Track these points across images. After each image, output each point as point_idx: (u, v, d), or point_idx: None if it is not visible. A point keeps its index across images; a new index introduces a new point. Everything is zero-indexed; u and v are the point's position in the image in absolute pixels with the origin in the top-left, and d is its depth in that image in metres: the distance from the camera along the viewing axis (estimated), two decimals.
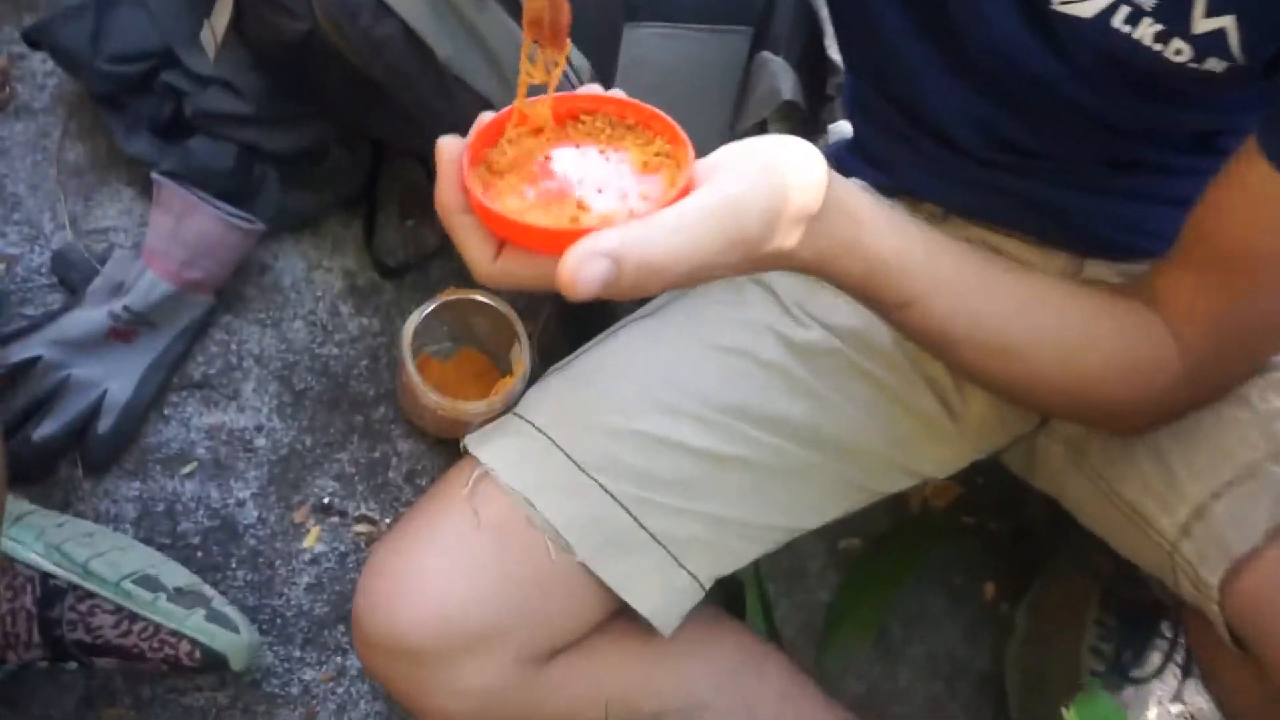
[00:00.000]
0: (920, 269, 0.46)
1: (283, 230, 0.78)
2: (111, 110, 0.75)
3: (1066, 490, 0.68)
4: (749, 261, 0.38)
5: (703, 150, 0.37)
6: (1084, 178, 0.61)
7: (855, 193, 0.43)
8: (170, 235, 0.71)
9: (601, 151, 0.38)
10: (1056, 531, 0.81)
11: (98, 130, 0.78)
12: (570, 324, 0.78)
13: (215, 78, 0.71)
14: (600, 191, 0.36)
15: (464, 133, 0.37)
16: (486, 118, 0.38)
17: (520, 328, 0.69)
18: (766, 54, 0.69)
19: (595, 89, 0.40)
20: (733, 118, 0.72)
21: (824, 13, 0.74)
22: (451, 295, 0.68)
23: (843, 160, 0.68)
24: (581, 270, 0.32)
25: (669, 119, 0.38)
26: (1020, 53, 0.52)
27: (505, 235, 0.35)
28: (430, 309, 0.67)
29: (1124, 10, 0.47)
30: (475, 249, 0.37)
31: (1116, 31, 0.47)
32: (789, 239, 0.39)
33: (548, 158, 0.38)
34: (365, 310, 0.79)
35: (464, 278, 0.82)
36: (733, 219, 0.35)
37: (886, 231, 0.45)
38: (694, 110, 0.47)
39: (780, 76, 0.67)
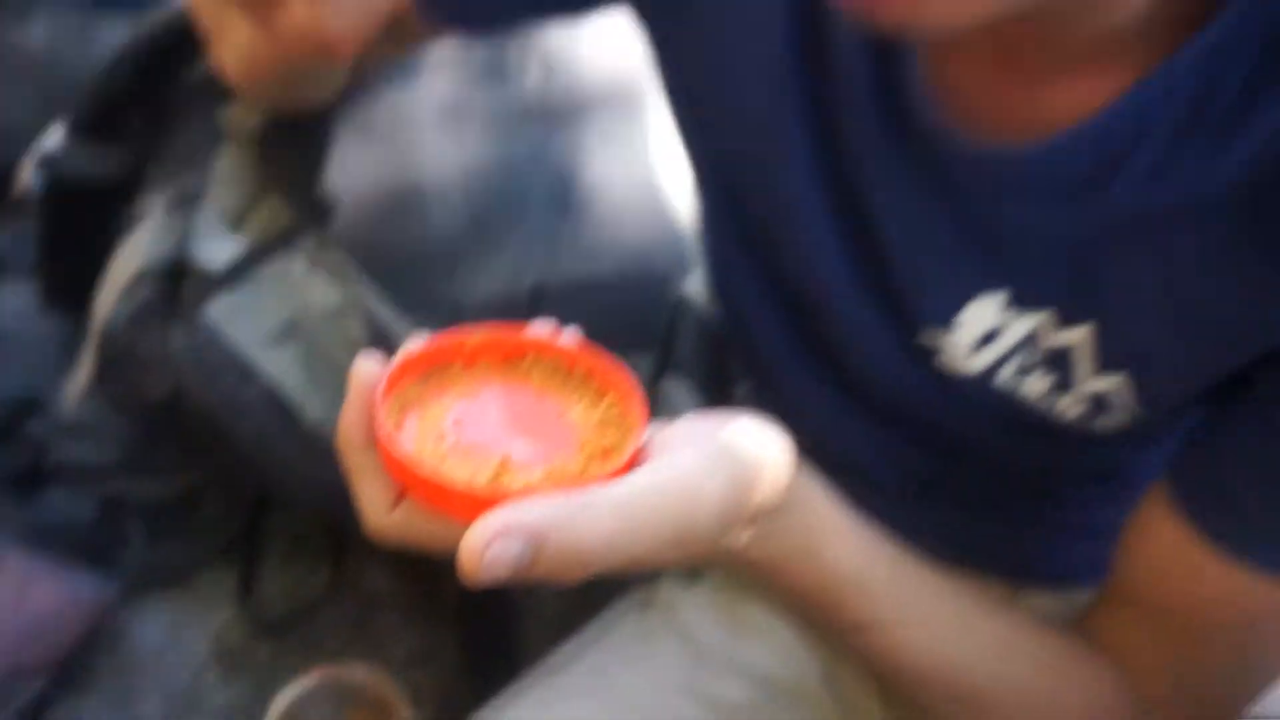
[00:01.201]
0: (884, 591, 0.41)
1: (149, 586, 0.70)
2: None
3: None
4: (690, 558, 0.32)
5: None
6: (1000, 510, 0.58)
7: (821, 495, 0.38)
8: (10, 612, 0.62)
9: (540, 401, 0.34)
10: None
11: None
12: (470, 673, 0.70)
13: (80, 424, 0.66)
14: (531, 450, 0.32)
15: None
16: (417, 344, 0.34)
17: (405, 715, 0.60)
18: (670, 383, 0.67)
19: (547, 325, 0.36)
20: None
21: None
22: (327, 675, 0.60)
23: None
24: (491, 548, 0.27)
25: (626, 372, 0.34)
26: (914, 397, 0.50)
27: (409, 486, 0.30)
28: (302, 691, 0.58)
29: (1009, 366, 0.45)
30: (372, 494, 0.32)
31: (1001, 389, 0.46)
32: (742, 538, 0.33)
33: (477, 401, 0.34)
34: (235, 678, 0.69)
35: (355, 631, 0.76)
36: (684, 510, 0.29)
37: (851, 544, 0.40)
38: None
39: (684, 405, 0.65)
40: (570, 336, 0.36)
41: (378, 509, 0.32)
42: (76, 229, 0.66)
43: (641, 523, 0.29)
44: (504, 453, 0.31)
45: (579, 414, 0.34)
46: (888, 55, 0.42)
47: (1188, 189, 0.37)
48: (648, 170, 0.75)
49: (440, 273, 0.61)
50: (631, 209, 0.72)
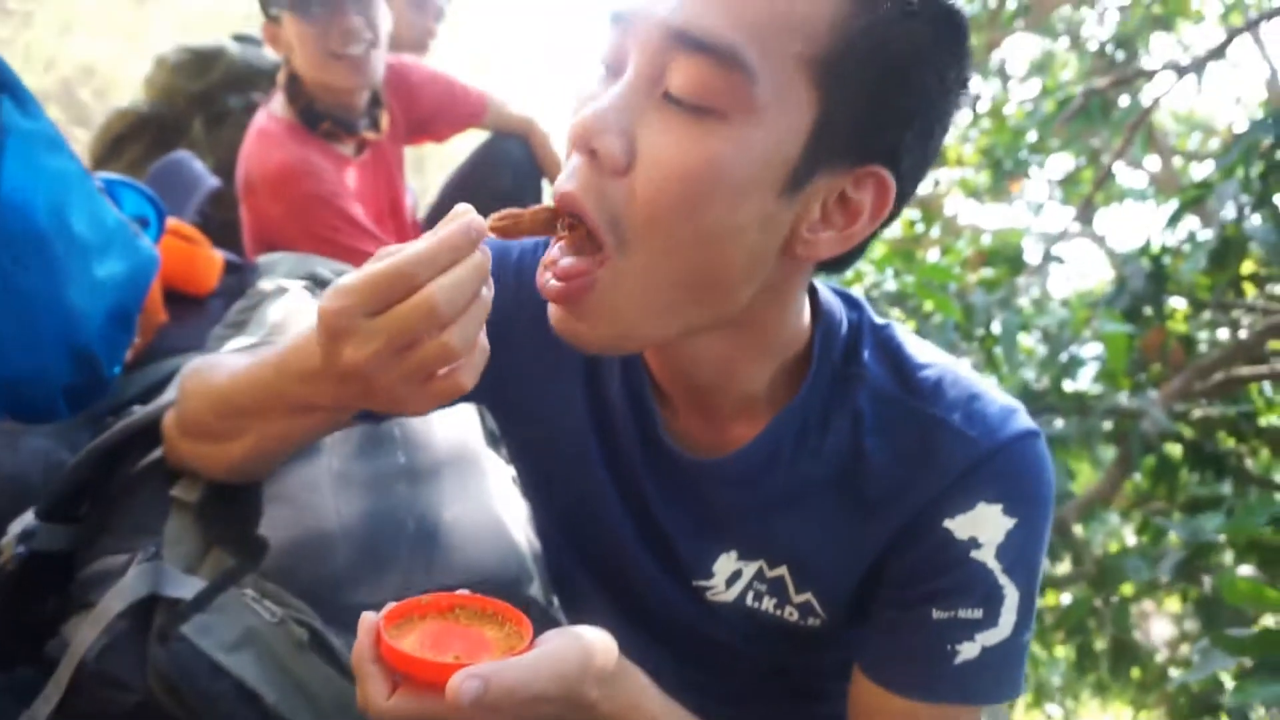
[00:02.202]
0: None
1: None
2: None
3: None
4: (569, 704, 0.54)
5: None
6: (776, 714, 0.81)
7: (635, 670, 0.61)
8: None
9: (468, 630, 0.57)
10: None
11: None
12: None
13: None
14: (469, 650, 0.55)
15: None
16: (390, 605, 0.56)
17: None
18: None
19: (464, 592, 0.60)
20: None
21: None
22: None
23: None
24: (462, 686, 0.48)
25: (516, 610, 0.59)
26: (695, 623, 0.76)
27: (407, 671, 0.51)
28: None
29: (750, 593, 0.73)
30: (374, 689, 0.52)
31: (749, 606, 0.73)
32: (596, 691, 0.55)
33: (431, 633, 0.56)
34: None
35: None
36: (558, 663, 0.54)
37: (658, 698, 0.62)
38: None
39: None
40: (477, 594, 0.61)
41: (379, 698, 0.53)
42: (31, 596, 0.81)
43: (537, 670, 0.53)
44: (455, 654, 0.54)
45: (491, 633, 0.58)
46: (638, 405, 0.73)
47: (806, 476, 0.69)
48: (491, 510, 1.01)
49: (348, 590, 0.81)
50: (483, 537, 0.96)
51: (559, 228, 0.58)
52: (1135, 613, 3.62)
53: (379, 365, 0.53)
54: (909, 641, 0.66)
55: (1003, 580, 0.63)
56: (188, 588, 0.74)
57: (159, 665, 0.69)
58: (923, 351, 0.69)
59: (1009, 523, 0.63)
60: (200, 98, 2.07)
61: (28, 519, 0.81)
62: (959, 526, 0.63)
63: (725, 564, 0.73)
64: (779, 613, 0.72)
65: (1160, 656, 3.72)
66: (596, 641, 0.57)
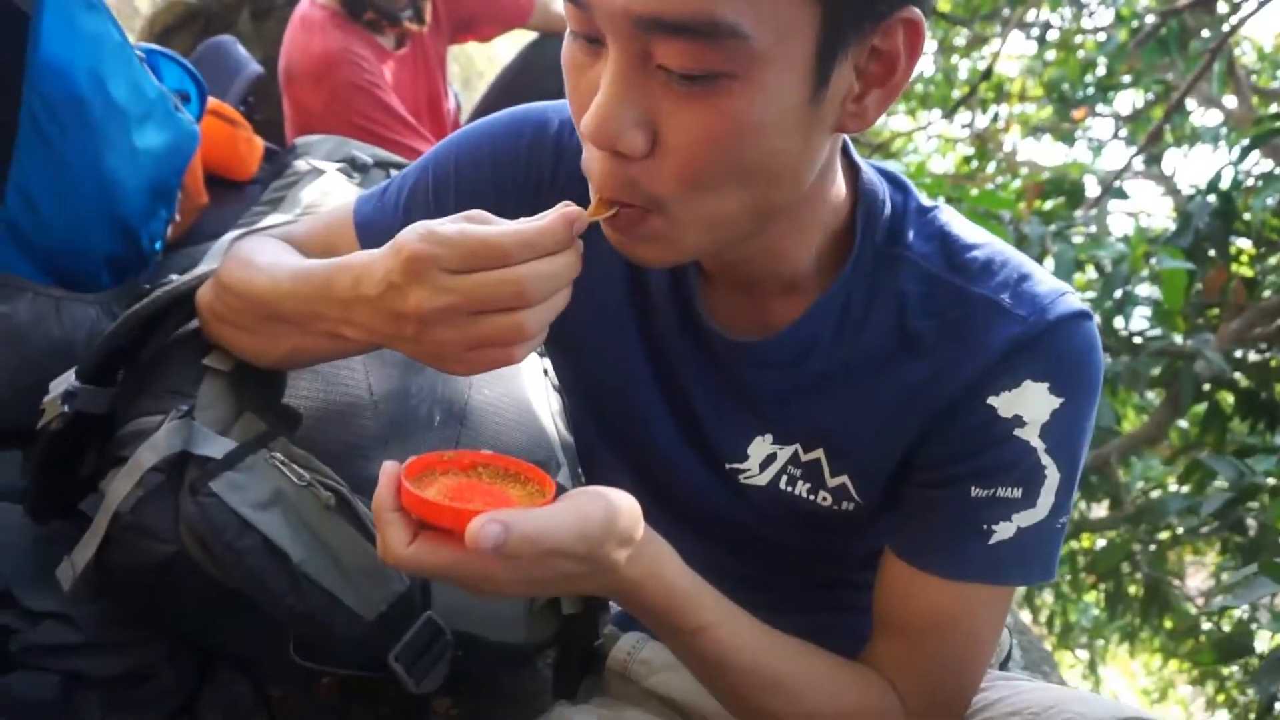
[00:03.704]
0: (711, 602, 0.63)
1: None
2: None
3: None
4: (590, 562, 0.53)
5: None
6: (803, 601, 0.81)
7: (658, 536, 0.61)
8: None
9: (490, 488, 0.57)
10: None
11: None
12: None
13: (51, 612, 0.78)
14: (491, 504, 0.53)
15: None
16: (413, 457, 0.56)
17: None
18: None
19: (488, 451, 0.60)
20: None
21: None
22: None
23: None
24: (483, 530, 0.48)
25: (539, 470, 0.58)
26: (726, 509, 0.75)
27: (428, 517, 0.51)
28: None
29: (784, 478, 0.71)
30: (394, 535, 0.51)
31: (782, 490, 0.72)
32: (619, 552, 0.55)
33: (454, 488, 0.56)
34: None
35: None
36: (582, 518, 0.53)
37: (683, 569, 0.62)
38: None
39: None
40: (501, 454, 0.60)
41: (399, 544, 0.53)
42: (69, 454, 0.82)
43: (559, 521, 0.52)
44: (477, 505, 0.53)
45: (514, 491, 0.57)
46: (680, 288, 0.71)
47: (847, 358, 0.67)
48: (522, 397, 1.01)
49: (375, 460, 0.81)
50: (511, 421, 0.96)
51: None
52: (1172, 559, 3.58)
53: (444, 319, 0.54)
54: (944, 520, 0.64)
55: (1045, 460, 0.61)
56: (218, 447, 0.74)
57: (189, 518, 0.70)
58: (971, 232, 0.66)
59: (1055, 402, 0.61)
60: None
61: (69, 379, 0.82)
62: (1003, 404, 0.61)
63: (760, 447, 0.71)
64: (812, 497, 0.71)
65: (1193, 608, 3.69)
66: (623, 503, 0.56)
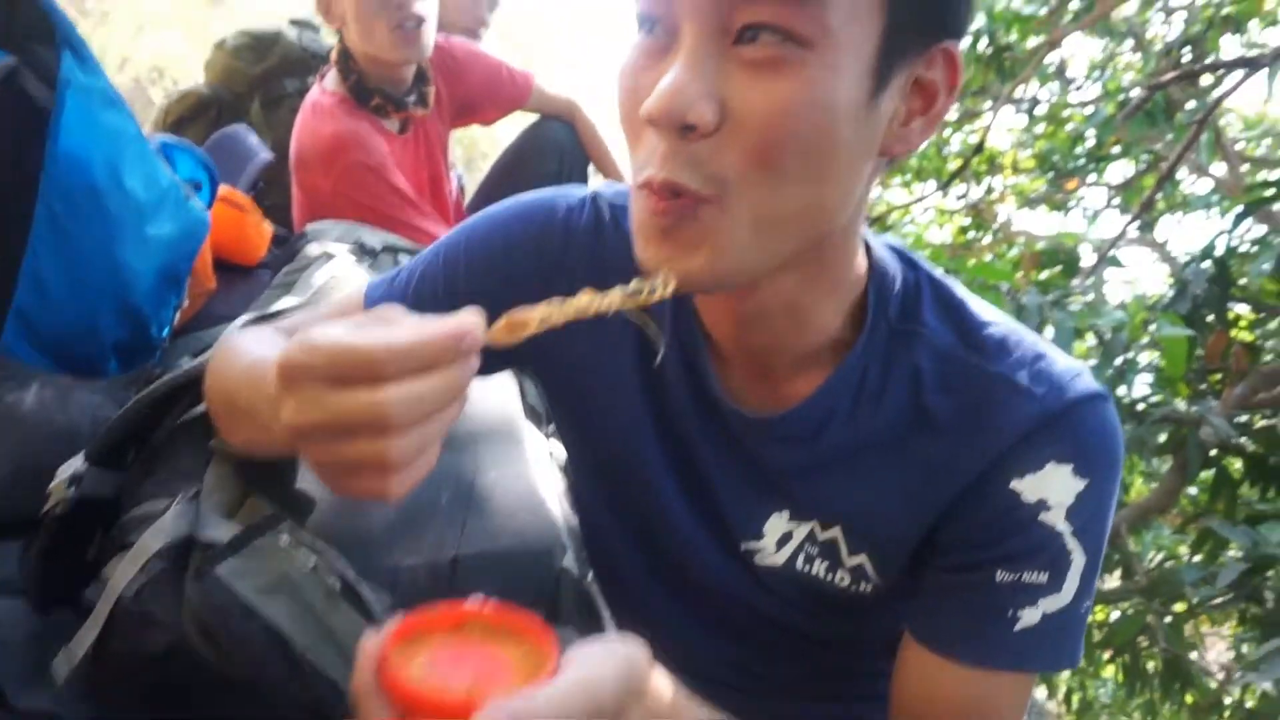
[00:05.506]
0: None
1: None
2: None
3: None
4: None
5: None
6: (816, 691, 0.79)
7: (670, 682, 0.55)
8: None
9: (481, 649, 0.48)
10: None
11: None
12: None
13: (41, 711, 0.77)
14: (485, 675, 0.45)
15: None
16: (396, 621, 0.49)
17: None
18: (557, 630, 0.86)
19: (478, 598, 0.52)
20: None
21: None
22: None
23: None
24: None
25: (534, 620, 0.49)
26: (740, 591, 0.74)
27: (411, 704, 0.44)
28: None
29: (801, 556, 0.71)
30: None
31: (799, 570, 0.71)
32: (632, 714, 0.48)
33: (441, 655, 0.47)
34: None
35: None
36: (590, 694, 0.44)
37: (687, 704, 0.56)
38: None
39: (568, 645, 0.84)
40: (494, 604, 0.50)
41: None
42: (77, 540, 0.82)
43: (571, 704, 0.43)
44: (468, 683, 0.45)
45: (509, 652, 0.48)
46: (693, 364, 0.71)
47: (864, 434, 0.67)
48: (528, 479, 1.00)
49: (382, 548, 0.81)
50: (517, 505, 0.96)
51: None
52: (1189, 631, 3.50)
53: (309, 438, 0.49)
54: (968, 605, 0.63)
55: (1071, 544, 0.61)
56: (224, 531, 0.74)
57: (193, 604, 0.69)
58: (985, 310, 0.67)
59: (1080, 484, 0.60)
60: (258, 81, 2.11)
61: (76, 463, 0.82)
62: (1027, 488, 0.61)
63: (776, 524, 0.71)
64: (829, 577, 0.70)
65: (1214, 683, 3.59)
66: (631, 656, 0.49)
